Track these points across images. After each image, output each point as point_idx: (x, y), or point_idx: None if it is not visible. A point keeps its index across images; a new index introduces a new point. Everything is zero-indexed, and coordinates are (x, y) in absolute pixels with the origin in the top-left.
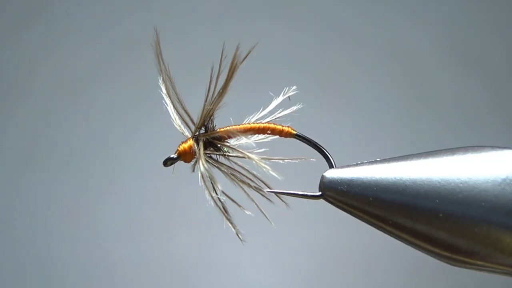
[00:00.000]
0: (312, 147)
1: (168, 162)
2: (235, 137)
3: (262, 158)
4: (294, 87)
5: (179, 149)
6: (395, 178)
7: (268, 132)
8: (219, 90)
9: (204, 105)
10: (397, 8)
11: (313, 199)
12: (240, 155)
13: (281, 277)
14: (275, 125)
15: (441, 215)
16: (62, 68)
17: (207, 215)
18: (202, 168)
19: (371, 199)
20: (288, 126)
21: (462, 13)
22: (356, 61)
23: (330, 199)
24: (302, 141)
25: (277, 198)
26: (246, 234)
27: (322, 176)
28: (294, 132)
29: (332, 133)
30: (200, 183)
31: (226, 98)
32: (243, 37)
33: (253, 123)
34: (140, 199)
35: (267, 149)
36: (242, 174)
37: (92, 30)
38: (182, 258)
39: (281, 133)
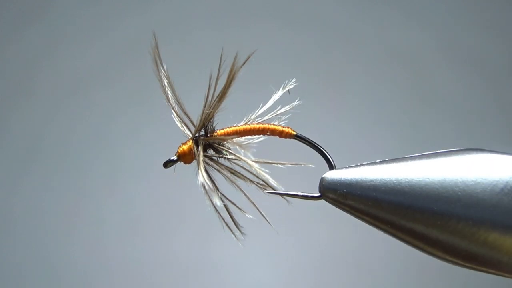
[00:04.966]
0: (312, 148)
1: (168, 164)
2: (235, 138)
3: (262, 162)
4: (294, 80)
5: (179, 151)
6: (394, 180)
7: (268, 133)
8: (218, 94)
9: (203, 109)
10: (398, 8)
11: (313, 200)
12: (239, 160)
13: (281, 277)
14: (275, 126)
15: (439, 217)
16: (63, 68)
17: (206, 215)
18: (201, 172)
19: (370, 201)
20: (288, 127)
21: (464, 14)
22: (357, 62)
23: (330, 201)
24: (302, 142)
25: (276, 196)
26: (245, 235)
27: (322, 178)
28: (294, 133)
29: (333, 133)
30: (200, 188)
31: (225, 102)
32: (243, 37)
33: (253, 124)
34: (139, 200)
35: (267, 147)
36: (243, 175)
37: (93, 30)
38: (181, 258)
39: (281, 134)
